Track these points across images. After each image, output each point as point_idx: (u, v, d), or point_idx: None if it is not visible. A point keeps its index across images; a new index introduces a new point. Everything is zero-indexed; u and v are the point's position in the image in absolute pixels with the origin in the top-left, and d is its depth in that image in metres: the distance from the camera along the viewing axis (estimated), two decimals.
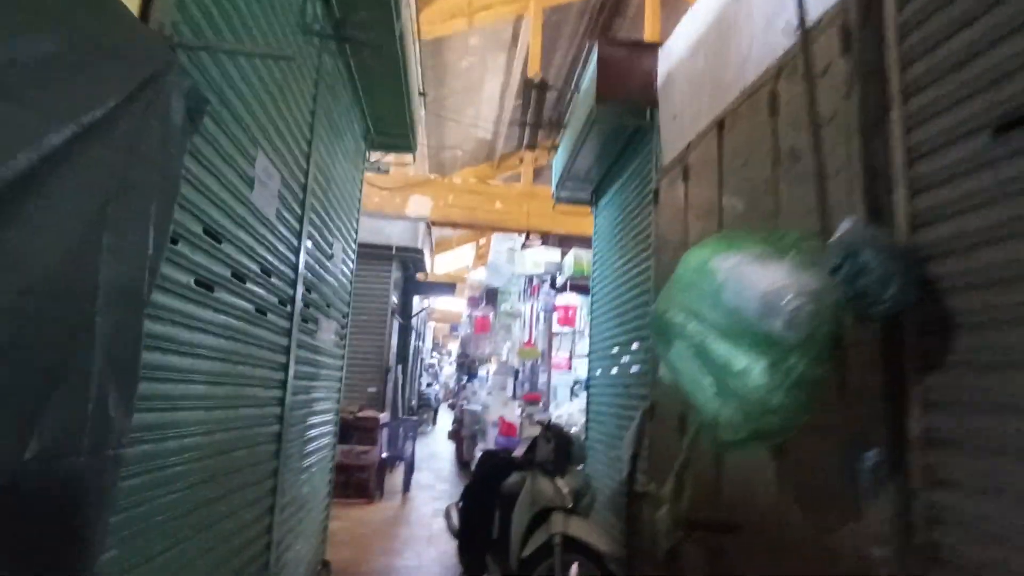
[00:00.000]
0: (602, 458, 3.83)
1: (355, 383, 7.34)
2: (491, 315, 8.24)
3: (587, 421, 4.49)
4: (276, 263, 2.35)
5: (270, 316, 2.34)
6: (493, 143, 13.52)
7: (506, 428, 6.78)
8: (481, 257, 16.73)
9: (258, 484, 2.34)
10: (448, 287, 10.45)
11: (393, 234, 7.61)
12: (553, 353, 7.24)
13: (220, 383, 1.86)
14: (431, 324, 19.79)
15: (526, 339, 7.46)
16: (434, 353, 23.33)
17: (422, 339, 16.90)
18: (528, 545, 2.85)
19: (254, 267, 2.09)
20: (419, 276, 9.91)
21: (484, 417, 7.76)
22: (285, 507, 2.70)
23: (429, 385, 17.64)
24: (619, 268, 3.89)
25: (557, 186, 4.95)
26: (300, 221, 2.66)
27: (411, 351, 11.77)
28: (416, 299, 11.55)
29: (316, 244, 3.05)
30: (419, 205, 7.85)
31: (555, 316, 7.55)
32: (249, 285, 2.04)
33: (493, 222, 8.10)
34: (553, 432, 3.35)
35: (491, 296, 8.50)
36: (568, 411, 8.28)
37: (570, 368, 7.91)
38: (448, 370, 24.59)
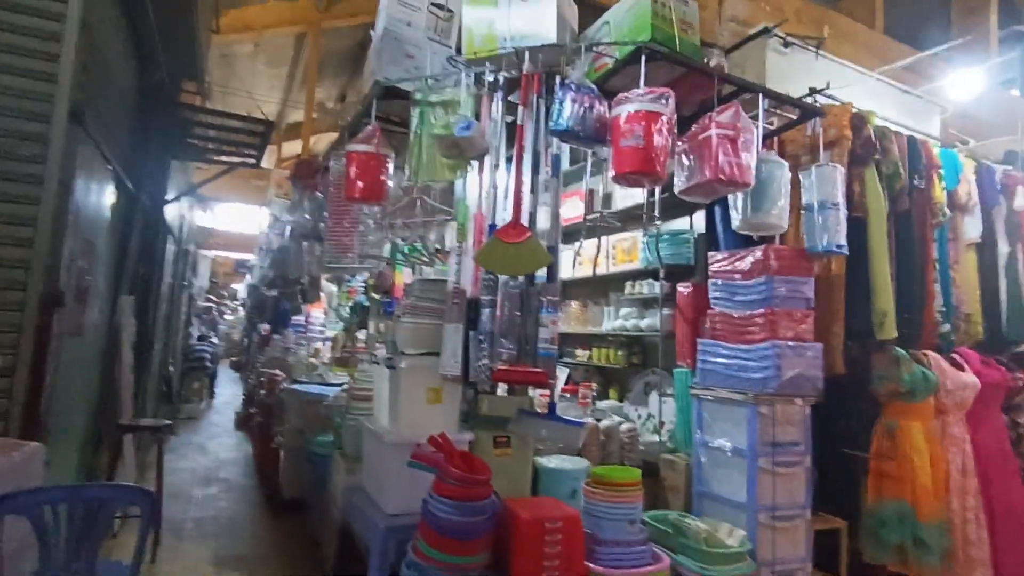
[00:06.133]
0: None
1: None
2: (385, 156, 3.06)
3: None
4: None
5: None
6: None
7: (456, 468, 2.04)
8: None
9: None
10: (257, 131, 4.77)
11: None
12: (616, 251, 2.56)
13: None
14: (206, 254, 13.17)
15: (503, 213, 2.63)
16: (211, 296, 16.42)
17: (193, 268, 10.59)
18: None
19: None
20: (188, 93, 4.32)
21: (368, 427, 2.83)
22: None
23: (202, 339, 11.39)
24: None
25: None
26: None
27: (168, 262, 6.01)
28: (175, 181, 5.84)
29: None
30: None
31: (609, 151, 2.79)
32: None
33: None
34: None
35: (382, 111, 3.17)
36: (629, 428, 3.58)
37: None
38: (231, 318, 17.82)
